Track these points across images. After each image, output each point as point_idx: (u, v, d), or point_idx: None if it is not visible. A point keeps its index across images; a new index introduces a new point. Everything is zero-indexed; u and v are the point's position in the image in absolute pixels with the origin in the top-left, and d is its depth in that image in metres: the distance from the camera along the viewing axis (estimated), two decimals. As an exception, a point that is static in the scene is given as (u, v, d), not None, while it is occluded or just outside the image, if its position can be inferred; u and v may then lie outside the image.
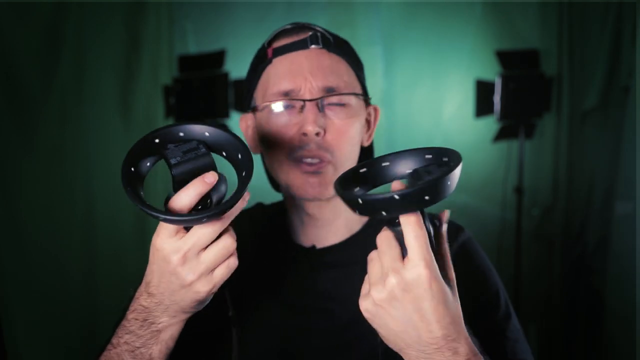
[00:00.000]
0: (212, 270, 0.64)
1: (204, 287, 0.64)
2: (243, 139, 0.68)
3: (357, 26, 3.07)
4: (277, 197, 1.01)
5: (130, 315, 0.71)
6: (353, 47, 0.90)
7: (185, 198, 0.61)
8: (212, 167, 0.64)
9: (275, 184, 0.96)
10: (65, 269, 2.28)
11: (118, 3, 2.61)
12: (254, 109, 0.87)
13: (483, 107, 2.88)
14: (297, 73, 0.81)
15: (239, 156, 0.65)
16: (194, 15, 3.09)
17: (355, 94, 0.83)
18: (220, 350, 0.85)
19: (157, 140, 0.65)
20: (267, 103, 0.83)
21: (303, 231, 0.89)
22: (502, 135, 2.93)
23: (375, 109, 0.92)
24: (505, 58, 2.86)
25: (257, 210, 0.98)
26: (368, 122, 0.90)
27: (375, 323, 0.62)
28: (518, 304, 2.78)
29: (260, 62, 0.86)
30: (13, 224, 2.09)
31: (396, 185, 0.63)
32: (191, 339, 0.78)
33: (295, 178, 0.82)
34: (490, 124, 2.94)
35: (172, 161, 0.62)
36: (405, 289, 0.58)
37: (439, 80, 3.20)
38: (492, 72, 2.88)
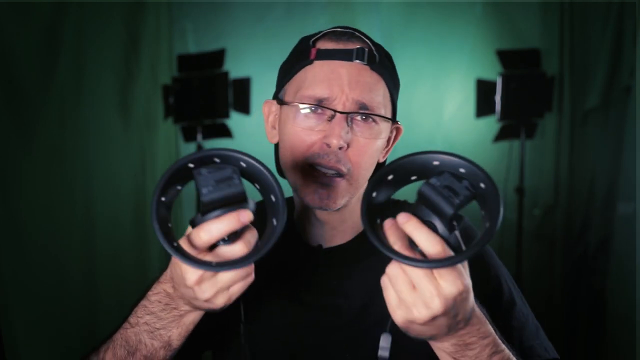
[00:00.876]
0: (229, 286, 0.64)
1: (219, 301, 0.65)
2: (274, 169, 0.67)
3: (357, 26, 3.01)
4: None
5: (152, 297, 0.72)
6: (394, 62, 0.91)
7: (215, 231, 0.60)
8: (243, 199, 0.61)
9: (282, 173, 0.96)
10: (65, 269, 2.28)
11: (117, 3, 2.60)
12: (281, 101, 0.87)
13: (484, 107, 2.88)
14: (335, 83, 0.81)
15: (273, 199, 0.62)
16: (194, 14, 3.09)
17: (385, 117, 0.84)
18: (230, 344, 0.87)
19: (191, 165, 0.61)
20: (298, 102, 0.82)
21: (310, 231, 0.90)
22: (503, 135, 2.93)
23: (398, 129, 0.93)
24: (506, 57, 2.85)
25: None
26: (389, 139, 0.91)
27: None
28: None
29: (301, 58, 0.85)
30: (13, 224, 2.08)
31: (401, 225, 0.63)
32: (202, 332, 0.79)
33: (306, 183, 0.83)
34: (491, 124, 2.94)
35: (204, 190, 0.59)
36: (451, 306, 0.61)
37: (439, 80, 3.20)
38: (493, 72, 2.87)
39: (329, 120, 0.81)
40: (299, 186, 0.84)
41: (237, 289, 0.65)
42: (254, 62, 2.95)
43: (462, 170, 0.61)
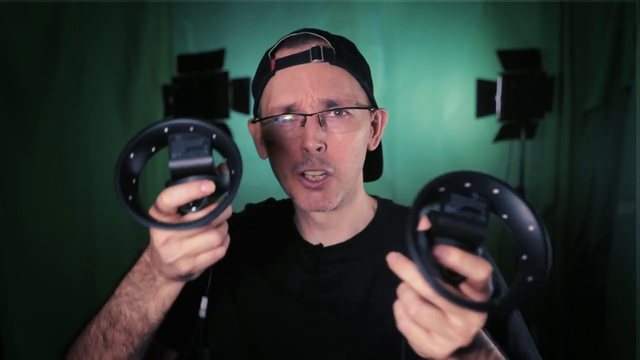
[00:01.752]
0: (197, 254, 0.66)
1: (184, 267, 0.66)
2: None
3: (357, 26, 3.07)
4: (277, 196, 1.02)
5: (135, 267, 0.75)
6: (359, 51, 0.90)
7: (176, 196, 0.63)
8: (210, 170, 0.63)
9: None
10: (65, 268, 2.28)
11: (117, 3, 2.60)
12: (258, 118, 0.88)
13: (484, 107, 2.87)
14: (298, 87, 0.82)
15: (233, 172, 0.64)
16: (194, 14, 3.09)
17: (357, 107, 0.84)
18: (227, 338, 0.90)
19: (166, 130, 0.64)
20: (269, 116, 0.84)
21: (310, 232, 0.92)
22: (503, 135, 2.93)
23: (383, 113, 0.92)
24: (506, 57, 2.85)
25: (270, 205, 1.01)
26: (375, 125, 0.91)
27: None
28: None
29: (264, 72, 0.87)
30: (13, 224, 2.08)
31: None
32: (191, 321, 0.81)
33: (299, 192, 0.84)
34: (491, 124, 2.93)
35: (173, 155, 0.62)
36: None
37: (439, 80, 3.19)
38: (493, 72, 2.87)
39: (303, 125, 0.81)
40: (294, 195, 0.85)
41: (204, 259, 0.66)
42: (254, 62, 2.90)
43: (467, 184, 0.56)
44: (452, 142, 3.18)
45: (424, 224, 0.55)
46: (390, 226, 0.91)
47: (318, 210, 0.84)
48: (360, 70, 0.87)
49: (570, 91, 2.96)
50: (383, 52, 3.04)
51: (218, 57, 2.73)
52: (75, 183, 2.37)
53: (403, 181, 3.01)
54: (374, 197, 0.96)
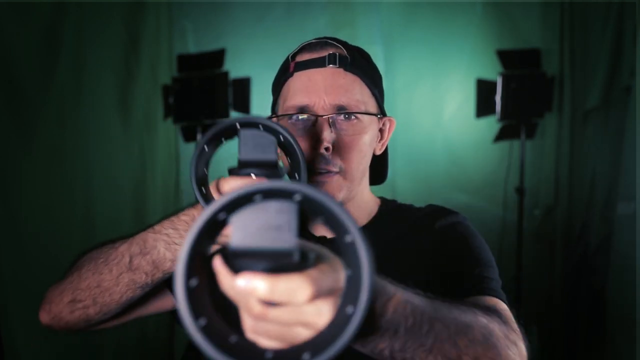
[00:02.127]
0: None
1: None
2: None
3: (357, 26, 3.07)
4: None
5: (182, 216, 0.80)
6: (373, 61, 0.96)
7: (235, 186, 0.64)
8: (274, 166, 0.66)
9: None
10: (65, 269, 2.27)
11: (117, 3, 2.60)
12: (275, 116, 0.95)
13: (484, 106, 2.87)
14: (313, 90, 0.88)
15: (296, 176, 0.70)
16: (194, 14, 3.09)
17: (365, 113, 0.90)
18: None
19: (238, 126, 0.67)
20: (284, 114, 0.91)
21: (315, 225, 0.97)
22: (503, 135, 2.93)
23: (390, 121, 0.98)
24: (506, 57, 2.85)
25: None
26: (382, 131, 0.97)
27: None
28: (519, 305, 2.77)
29: (284, 73, 0.93)
30: (13, 224, 2.08)
31: None
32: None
33: None
34: (491, 124, 2.93)
35: (243, 149, 0.65)
36: None
37: (439, 80, 3.19)
38: (493, 72, 2.87)
39: (314, 125, 0.88)
40: None
41: None
42: (254, 62, 2.95)
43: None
44: (452, 142, 3.18)
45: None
46: (391, 221, 0.96)
47: None
48: (372, 78, 0.93)
49: (570, 91, 2.96)
50: (383, 52, 3.04)
51: (218, 57, 2.73)
52: (75, 183, 2.37)
53: (403, 181, 3.01)
54: (380, 198, 1.02)
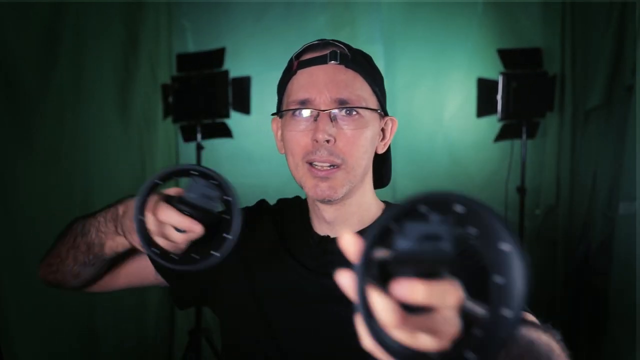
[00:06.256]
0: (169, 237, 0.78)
1: (134, 240, 0.84)
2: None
3: (357, 25, 3.06)
4: (277, 196, 1.07)
5: (109, 211, 0.91)
6: (374, 63, 0.99)
7: (174, 220, 0.75)
8: (210, 217, 0.75)
9: None
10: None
11: (117, 3, 2.59)
12: (278, 112, 0.98)
13: (485, 106, 2.86)
14: (314, 85, 0.91)
15: (230, 237, 0.76)
16: (193, 13, 3.08)
17: (366, 108, 0.92)
18: (239, 310, 0.98)
19: (195, 173, 0.75)
20: (288, 109, 0.93)
21: (319, 225, 0.99)
22: (504, 134, 2.92)
23: (392, 121, 1.01)
24: (507, 56, 2.84)
25: (295, 200, 1.11)
26: (384, 131, 0.99)
27: None
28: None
29: (288, 72, 0.96)
30: (12, 224, 2.08)
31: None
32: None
33: (307, 180, 0.92)
34: (492, 123, 2.92)
35: (190, 194, 0.75)
36: None
37: (440, 79, 3.18)
38: (494, 71, 2.86)
39: (316, 120, 0.90)
40: (303, 183, 0.93)
41: (178, 236, 0.77)
42: (254, 61, 2.94)
43: (422, 208, 0.45)
44: (452, 142, 3.17)
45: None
46: None
47: (324, 200, 0.91)
48: (372, 76, 0.95)
49: (571, 90, 2.96)
50: (383, 52, 3.03)
51: (218, 56, 2.72)
52: (74, 182, 2.36)
53: (403, 181, 3.00)
54: (384, 201, 1.03)
